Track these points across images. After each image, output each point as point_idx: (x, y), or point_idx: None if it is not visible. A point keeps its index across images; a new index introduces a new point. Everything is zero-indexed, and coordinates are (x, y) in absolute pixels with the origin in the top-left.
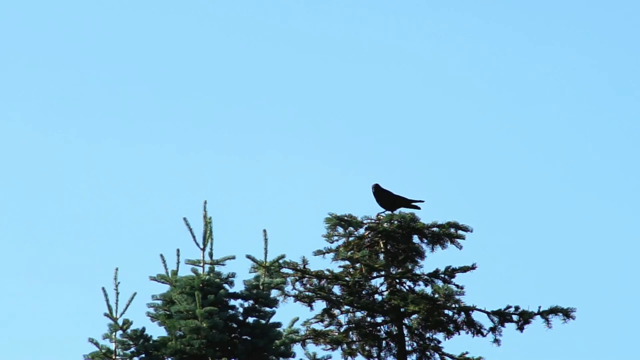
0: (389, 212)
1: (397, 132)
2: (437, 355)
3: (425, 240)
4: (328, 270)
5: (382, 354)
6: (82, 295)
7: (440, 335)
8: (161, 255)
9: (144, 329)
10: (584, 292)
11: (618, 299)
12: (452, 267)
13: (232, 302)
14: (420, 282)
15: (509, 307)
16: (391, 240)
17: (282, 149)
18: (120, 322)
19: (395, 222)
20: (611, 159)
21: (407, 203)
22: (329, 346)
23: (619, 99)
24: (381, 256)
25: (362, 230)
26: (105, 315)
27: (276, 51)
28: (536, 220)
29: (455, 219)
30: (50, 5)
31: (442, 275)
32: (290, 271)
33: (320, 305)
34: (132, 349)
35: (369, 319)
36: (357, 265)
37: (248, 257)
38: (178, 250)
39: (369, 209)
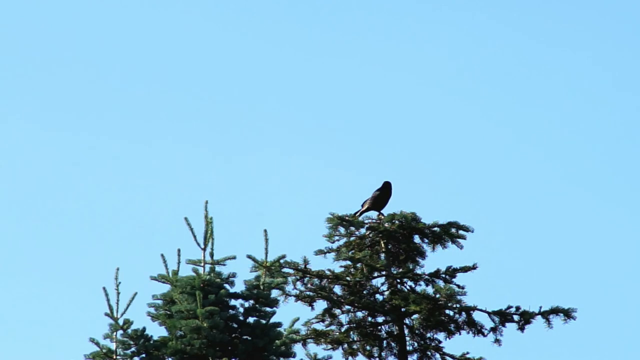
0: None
1: (398, 132)
2: (438, 355)
3: (426, 240)
4: (329, 270)
5: (382, 353)
6: (83, 295)
7: (441, 335)
8: (162, 255)
9: (144, 329)
10: (584, 292)
11: (618, 299)
12: (453, 267)
13: (232, 302)
14: (421, 282)
15: (509, 307)
16: (392, 240)
17: (283, 148)
18: (120, 321)
19: (397, 222)
20: (611, 159)
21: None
22: (329, 346)
23: (618, 100)
24: (382, 256)
25: (363, 230)
26: (106, 315)
27: (277, 51)
28: (536, 220)
29: (456, 219)
30: (56, 5)
31: (443, 275)
32: (291, 271)
33: (321, 305)
34: (133, 349)
35: (369, 318)
36: (358, 265)
37: (249, 257)
38: (179, 250)
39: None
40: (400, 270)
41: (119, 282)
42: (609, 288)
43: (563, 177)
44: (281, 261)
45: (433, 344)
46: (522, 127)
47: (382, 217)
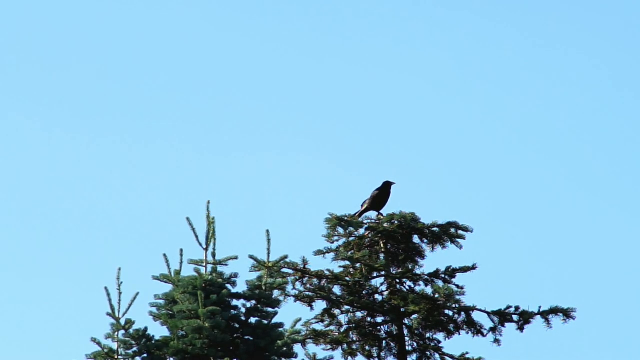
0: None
1: (397, 132)
2: (437, 355)
3: (426, 240)
4: (328, 270)
5: (382, 354)
6: (85, 294)
7: (440, 335)
8: (164, 255)
9: (146, 329)
10: (584, 292)
11: (618, 299)
12: (452, 267)
13: (234, 302)
14: (421, 282)
15: (509, 307)
16: (391, 240)
17: (283, 149)
18: (122, 321)
19: (396, 222)
20: (611, 159)
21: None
22: (329, 346)
23: (618, 100)
24: (381, 256)
25: (362, 231)
26: (108, 314)
27: (277, 51)
28: (536, 220)
29: (455, 219)
30: (54, 5)
31: (443, 275)
32: (290, 271)
33: (320, 305)
34: (135, 349)
35: (369, 319)
36: (358, 265)
37: (251, 257)
38: (181, 250)
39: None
40: (400, 270)
41: (121, 282)
42: (608, 288)
43: (563, 177)
44: (282, 262)
45: (432, 344)
46: (522, 127)
47: (382, 217)
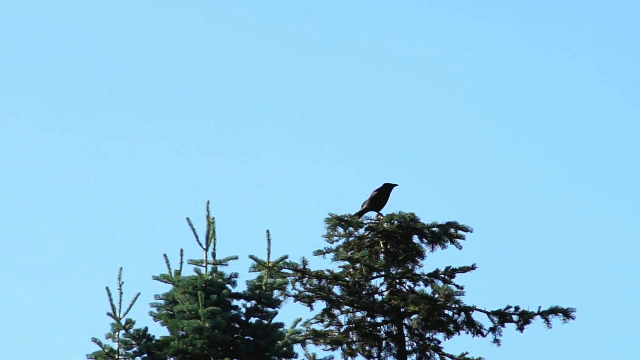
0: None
1: (397, 132)
2: (437, 356)
3: (425, 240)
4: (328, 270)
5: (382, 354)
6: (86, 294)
7: (440, 336)
8: (164, 255)
9: (146, 329)
10: (584, 292)
11: (618, 299)
12: (452, 267)
13: (234, 302)
14: (420, 282)
15: (508, 307)
16: (391, 240)
17: (283, 149)
18: (123, 321)
19: (395, 222)
20: (611, 159)
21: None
22: (329, 346)
23: (618, 100)
24: (381, 256)
25: (362, 231)
26: (108, 314)
27: (276, 51)
28: (536, 220)
29: (455, 219)
30: (54, 5)
31: (442, 276)
32: (290, 271)
33: (320, 305)
34: (135, 349)
35: (369, 319)
36: (357, 265)
37: (251, 257)
38: (181, 250)
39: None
40: (399, 270)
41: (122, 282)
42: (608, 288)
43: (562, 177)
44: (282, 262)
45: (432, 344)
46: (521, 127)
47: (381, 217)
